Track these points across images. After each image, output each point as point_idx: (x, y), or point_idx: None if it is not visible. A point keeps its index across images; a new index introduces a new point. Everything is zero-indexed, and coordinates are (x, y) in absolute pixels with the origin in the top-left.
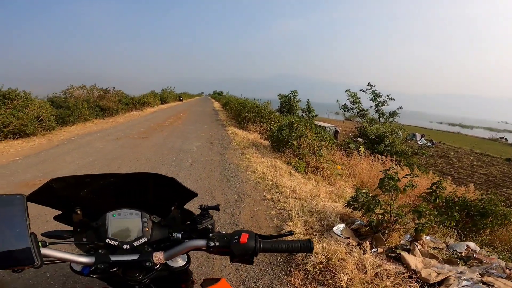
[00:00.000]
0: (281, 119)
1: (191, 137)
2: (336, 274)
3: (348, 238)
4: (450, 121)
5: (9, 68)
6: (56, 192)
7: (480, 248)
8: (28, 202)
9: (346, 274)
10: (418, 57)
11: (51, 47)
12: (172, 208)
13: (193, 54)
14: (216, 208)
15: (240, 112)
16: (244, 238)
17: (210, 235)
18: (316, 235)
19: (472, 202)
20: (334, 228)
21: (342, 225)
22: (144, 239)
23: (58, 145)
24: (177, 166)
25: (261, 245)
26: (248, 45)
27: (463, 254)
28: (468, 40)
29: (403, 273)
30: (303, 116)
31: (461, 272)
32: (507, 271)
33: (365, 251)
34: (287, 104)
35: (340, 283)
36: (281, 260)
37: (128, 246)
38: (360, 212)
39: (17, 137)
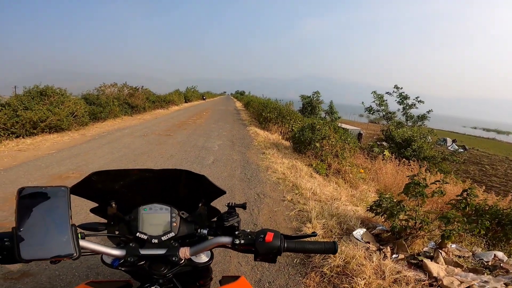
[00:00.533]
0: (303, 120)
1: (213, 135)
2: (353, 279)
3: (368, 243)
4: (484, 126)
5: (47, 63)
6: (95, 185)
7: (508, 257)
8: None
9: (363, 279)
10: (453, 60)
11: (84, 45)
12: (200, 204)
13: (217, 54)
14: (243, 206)
15: (262, 112)
16: (269, 237)
17: (236, 232)
18: (335, 238)
19: (505, 211)
20: (354, 232)
21: (363, 230)
22: (172, 234)
23: (90, 140)
24: (199, 164)
25: (285, 245)
26: (271, 45)
27: (490, 264)
28: (505, 41)
29: (424, 281)
30: (326, 118)
31: (485, 281)
32: None
33: (385, 256)
34: (309, 105)
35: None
36: (297, 261)
37: (156, 240)
38: (383, 217)
39: (53, 132)
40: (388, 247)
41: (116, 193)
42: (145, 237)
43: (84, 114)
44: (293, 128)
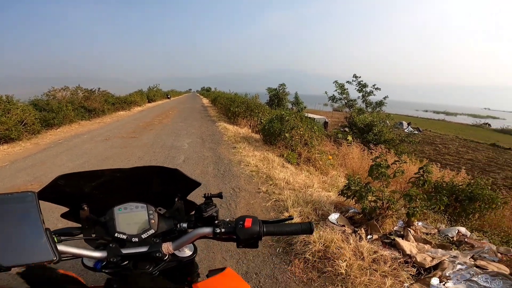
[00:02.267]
0: (271, 113)
1: (182, 134)
2: (335, 261)
3: (344, 226)
4: (435, 109)
5: None
6: (63, 189)
7: (471, 232)
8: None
9: (344, 261)
10: (403, 49)
11: (32, 47)
12: (176, 199)
13: (180, 52)
14: (219, 196)
15: (230, 107)
16: (248, 223)
17: (216, 222)
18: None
19: (460, 187)
20: (330, 217)
21: (337, 214)
22: (152, 231)
23: (45, 149)
24: (169, 164)
25: (264, 229)
26: (236, 41)
27: (455, 239)
28: (451, 32)
29: (399, 258)
30: (292, 109)
31: (454, 256)
32: (499, 255)
33: (360, 238)
34: (276, 97)
35: (339, 270)
36: (280, 251)
37: (136, 239)
38: (353, 200)
39: (2, 143)
40: (362, 229)
41: (86, 196)
42: (124, 236)
43: (35, 122)
44: (262, 120)
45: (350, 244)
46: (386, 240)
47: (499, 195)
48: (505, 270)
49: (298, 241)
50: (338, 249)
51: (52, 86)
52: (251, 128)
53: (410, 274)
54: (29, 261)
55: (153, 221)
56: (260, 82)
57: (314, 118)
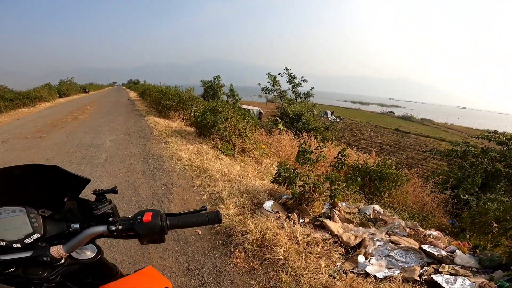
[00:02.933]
0: (205, 105)
1: (103, 130)
2: (273, 248)
3: (278, 212)
4: (352, 99)
5: None
6: None
7: (384, 209)
8: None
9: (281, 247)
10: (329, 41)
11: None
12: (65, 199)
13: (104, 41)
14: (113, 191)
15: (160, 100)
16: (147, 217)
17: (110, 219)
18: (248, 213)
19: (372, 167)
20: (264, 205)
21: (271, 201)
22: (37, 235)
23: None
24: (88, 164)
25: (167, 222)
26: (171, 31)
27: (372, 217)
28: (369, 27)
29: (329, 239)
30: (228, 101)
31: (372, 234)
32: (408, 229)
33: (294, 223)
34: (211, 89)
35: (278, 256)
36: (219, 243)
37: (19, 245)
38: (284, 186)
39: None
40: (295, 214)
41: None
42: (3, 243)
43: None
44: (195, 113)
45: (285, 230)
46: (316, 223)
47: (402, 173)
48: (414, 244)
49: (235, 232)
50: (275, 236)
51: None
52: (184, 121)
53: (340, 254)
54: None
55: (36, 224)
56: (195, 74)
57: (249, 109)
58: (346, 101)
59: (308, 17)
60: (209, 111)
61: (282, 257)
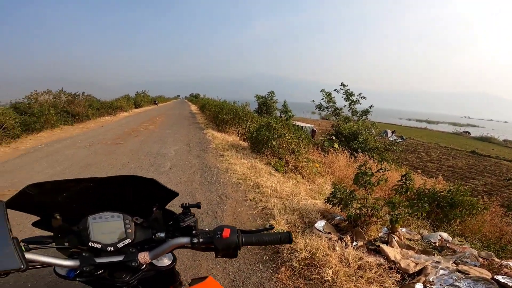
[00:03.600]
0: (259, 120)
1: (169, 141)
2: (321, 269)
3: (330, 233)
4: (417, 117)
5: None
6: (34, 198)
7: (452, 238)
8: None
9: (330, 268)
10: (389, 57)
11: (10, 48)
12: (154, 209)
13: (169, 56)
14: (198, 206)
15: (218, 114)
16: (226, 233)
17: (193, 232)
18: (298, 232)
19: (441, 193)
20: (316, 224)
21: (323, 221)
22: (128, 241)
23: (24, 154)
24: (155, 171)
25: (243, 239)
26: (224, 45)
27: (437, 244)
28: (433, 40)
29: (384, 265)
30: (281, 116)
31: (437, 262)
32: (480, 259)
33: (346, 245)
34: (265, 105)
35: (326, 277)
36: (267, 258)
37: (112, 248)
38: (339, 207)
39: None
40: (348, 236)
41: (58, 205)
42: (99, 246)
43: (15, 126)
44: (250, 128)
45: (336, 251)
46: (371, 247)
47: (479, 201)
48: (486, 274)
49: (284, 248)
50: (324, 256)
51: (34, 90)
52: (239, 136)
53: (395, 280)
54: None
55: (129, 230)
56: (247, 87)
57: (302, 126)
58: (410, 119)
59: (367, 32)
60: (264, 127)
61: (330, 278)
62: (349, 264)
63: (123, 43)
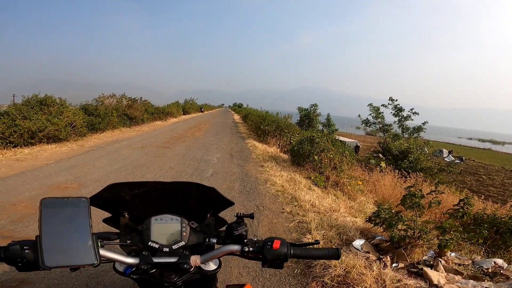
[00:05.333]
0: (300, 133)
1: (212, 148)
2: None
3: (368, 252)
4: (480, 137)
5: (41, 72)
6: (111, 197)
7: (508, 264)
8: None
9: None
10: (446, 70)
11: (78, 53)
12: (208, 215)
13: (215, 66)
14: (251, 216)
15: (260, 125)
16: (276, 244)
17: (245, 240)
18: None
19: (502, 219)
20: (354, 242)
21: (362, 240)
22: (182, 243)
23: (88, 151)
24: (198, 176)
25: (291, 252)
26: (269, 57)
27: (490, 271)
28: (500, 51)
29: None
30: (323, 130)
31: None
32: None
33: (385, 265)
34: (307, 117)
35: None
36: (298, 272)
37: (167, 249)
38: (382, 227)
39: (51, 142)
40: (388, 256)
41: (128, 204)
42: (157, 246)
43: (83, 125)
44: (291, 141)
45: (373, 271)
46: (413, 269)
47: None
48: None
49: (318, 264)
50: (360, 276)
51: (102, 93)
52: (279, 148)
53: None
54: (71, 263)
55: (185, 233)
56: (290, 100)
57: (345, 142)
58: (471, 139)
59: (419, 44)
60: (306, 141)
61: None
62: (385, 285)
63: (175, 52)
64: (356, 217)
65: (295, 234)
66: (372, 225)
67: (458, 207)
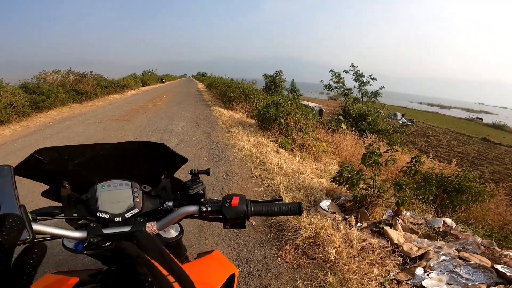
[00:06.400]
0: (266, 99)
1: (176, 117)
2: (325, 248)
3: (335, 213)
4: (429, 102)
5: None
6: (43, 165)
7: (456, 224)
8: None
9: (334, 248)
10: (401, 42)
11: (24, 31)
12: (162, 177)
13: (176, 36)
14: (207, 172)
15: (225, 92)
16: (235, 201)
17: (202, 200)
18: (304, 210)
19: (449, 178)
20: (321, 204)
21: (329, 201)
22: (136, 210)
23: (35, 131)
24: None
25: (252, 208)
26: (234, 26)
27: (441, 230)
28: (448, 26)
29: (387, 247)
30: (288, 96)
31: (439, 247)
32: (482, 247)
33: (350, 225)
34: (272, 84)
35: (329, 257)
36: (271, 236)
37: (120, 219)
38: (345, 187)
39: None
40: (352, 217)
41: (68, 172)
42: (107, 216)
43: (25, 105)
44: (257, 106)
45: (340, 232)
46: (375, 229)
47: (486, 188)
48: (486, 262)
49: (289, 227)
50: (328, 236)
51: (43, 70)
52: (246, 113)
53: (397, 263)
54: None
55: (137, 199)
56: (257, 69)
57: (310, 106)
58: (421, 103)
59: (383, 15)
60: (272, 105)
61: (333, 258)
62: (352, 245)
63: (134, 24)
64: (322, 178)
65: (265, 198)
66: (337, 185)
67: (410, 165)
